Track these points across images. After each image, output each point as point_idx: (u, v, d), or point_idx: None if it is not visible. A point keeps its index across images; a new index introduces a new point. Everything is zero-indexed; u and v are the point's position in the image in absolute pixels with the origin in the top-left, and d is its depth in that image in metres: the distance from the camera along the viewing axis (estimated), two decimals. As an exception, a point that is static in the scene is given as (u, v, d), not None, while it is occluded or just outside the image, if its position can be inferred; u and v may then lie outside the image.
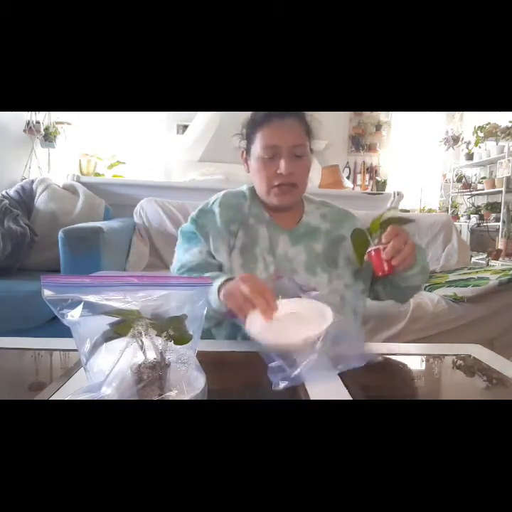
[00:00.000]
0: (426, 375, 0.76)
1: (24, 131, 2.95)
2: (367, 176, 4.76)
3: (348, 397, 0.59)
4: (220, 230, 0.93)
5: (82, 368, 0.56)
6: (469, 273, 2.10)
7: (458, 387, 0.70)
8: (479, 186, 4.37)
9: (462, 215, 4.60)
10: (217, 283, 0.79)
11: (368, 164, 4.79)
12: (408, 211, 3.91)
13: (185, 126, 3.83)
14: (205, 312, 0.54)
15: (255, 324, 0.61)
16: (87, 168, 3.65)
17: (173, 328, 0.51)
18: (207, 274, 0.86)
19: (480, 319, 1.79)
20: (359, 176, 4.76)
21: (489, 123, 3.98)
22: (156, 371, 0.50)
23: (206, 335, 0.90)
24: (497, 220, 3.98)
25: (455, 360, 0.80)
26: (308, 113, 0.96)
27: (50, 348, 0.78)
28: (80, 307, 0.49)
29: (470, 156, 4.41)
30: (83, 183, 2.39)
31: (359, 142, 4.71)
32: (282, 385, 0.59)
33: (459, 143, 4.57)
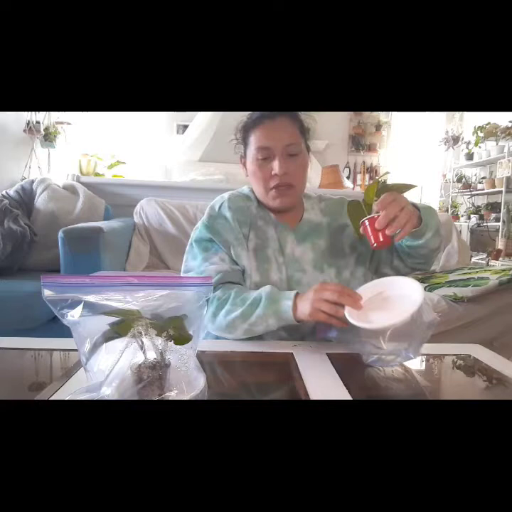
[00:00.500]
0: (426, 375, 0.76)
1: (24, 131, 2.95)
2: (367, 176, 4.76)
3: (348, 397, 0.59)
4: (236, 235, 0.92)
5: (82, 368, 0.56)
6: (469, 273, 2.10)
7: (458, 387, 0.70)
8: (479, 186, 4.36)
9: (462, 215, 4.60)
10: (289, 302, 0.78)
11: (368, 164, 4.80)
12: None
13: (185, 126, 3.83)
14: (205, 312, 0.54)
15: (354, 316, 0.65)
16: (87, 168, 3.65)
17: (173, 328, 0.51)
18: (265, 294, 0.82)
19: (480, 319, 1.79)
20: (359, 176, 4.76)
21: (489, 123, 3.98)
22: (156, 371, 0.50)
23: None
24: (497, 220, 3.98)
25: (455, 360, 0.80)
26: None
27: (50, 348, 0.78)
28: (80, 307, 0.49)
29: (470, 156, 4.41)
30: (83, 183, 2.39)
31: (359, 142, 4.71)
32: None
33: (459, 143, 4.56)
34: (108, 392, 0.49)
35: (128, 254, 2.19)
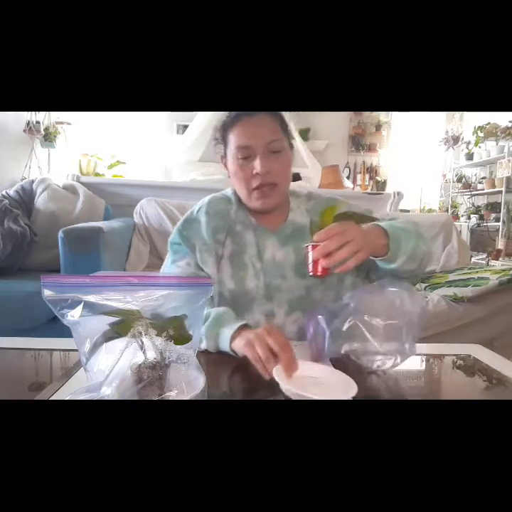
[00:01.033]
0: (426, 375, 0.76)
1: (24, 131, 2.95)
2: (367, 176, 4.76)
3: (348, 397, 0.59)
4: (206, 241, 0.89)
5: (82, 368, 0.56)
6: (469, 273, 2.10)
7: (458, 387, 0.70)
8: (479, 186, 4.37)
9: (462, 215, 4.60)
10: (229, 331, 0.74)
11: (368, 164, 4.80)
12: (408, 211, 3.91)
13: (185, 126, 3.83)
14: (205, 312, 0.54)
15: (282, 377, 0.61)
16: (87, 168, 3.65)
17: (173, 328, 0.51)
18: (215, 314, 0.78)
19: (480, 319, 1.79)
20: (359, 176, 4.76)
21: (489, 123, 3.98)
22: (156, 371, 0.50)
23: None
24: (497, 220, 3.98)
25: (455, 360, 0.80)
26: None
27: (50, 348, 0.78)
28: (80, 307, 0.49)
29: (470, 156, 4.41)
30: (83, 183, 2.39)
31: (359, 142, 4.71)
32: None
33: (459, 143, 4.57)
34: (108, 392, 0.49)
35: (128, 254, 2.19)
